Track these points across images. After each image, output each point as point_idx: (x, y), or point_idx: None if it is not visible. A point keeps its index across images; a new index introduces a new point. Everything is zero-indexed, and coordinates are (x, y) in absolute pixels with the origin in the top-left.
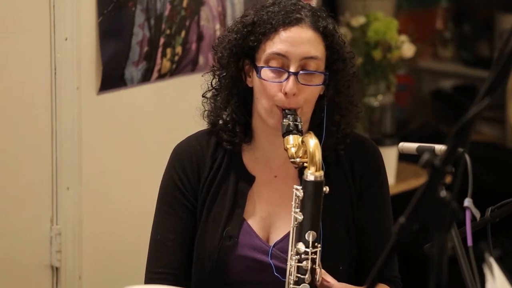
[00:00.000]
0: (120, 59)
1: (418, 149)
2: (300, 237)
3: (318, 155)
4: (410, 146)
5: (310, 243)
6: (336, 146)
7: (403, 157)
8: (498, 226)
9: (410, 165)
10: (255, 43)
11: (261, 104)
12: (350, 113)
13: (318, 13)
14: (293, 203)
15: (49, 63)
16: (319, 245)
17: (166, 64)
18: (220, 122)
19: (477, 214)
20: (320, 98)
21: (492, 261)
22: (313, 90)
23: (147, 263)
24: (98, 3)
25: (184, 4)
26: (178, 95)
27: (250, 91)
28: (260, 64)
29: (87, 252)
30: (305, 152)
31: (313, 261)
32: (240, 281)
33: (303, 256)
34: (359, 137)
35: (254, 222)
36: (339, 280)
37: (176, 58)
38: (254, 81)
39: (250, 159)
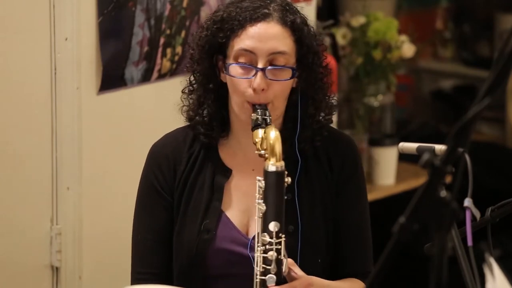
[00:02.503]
0: (120, 59)
1: (418, 149)
2: (264, 228)
3: (278, 147)
4: (410, 146)
5: (274, 233)
6: (312, 138)
7: (403, 157)
8: (498, 226)
9: (410, 165)
10: (224, 40)
11: (233, 100)
12: (325, 104)
13: (287, 7)
14: (256, 194)
15: (49, 63)
16: (283, 236)
17: (166, 64)
18: (197, 117)
19: (477, 214)
20: (294, 91)
21: (492, 261)
22: (282, 85)
23: (131, 264)
24: (98, 3)
25: (184, 4)
26: (178, 95)
27: (225, 86)
28: (229, 60)
29: (87, 252)
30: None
31: (278, 251)
32: (220, 274)
33: (267, 246)
34: (336, 131)
35: (233, 215)
36: (317, 271)
37: (176, 58)
38: (227, 77)
39: (227, 153)
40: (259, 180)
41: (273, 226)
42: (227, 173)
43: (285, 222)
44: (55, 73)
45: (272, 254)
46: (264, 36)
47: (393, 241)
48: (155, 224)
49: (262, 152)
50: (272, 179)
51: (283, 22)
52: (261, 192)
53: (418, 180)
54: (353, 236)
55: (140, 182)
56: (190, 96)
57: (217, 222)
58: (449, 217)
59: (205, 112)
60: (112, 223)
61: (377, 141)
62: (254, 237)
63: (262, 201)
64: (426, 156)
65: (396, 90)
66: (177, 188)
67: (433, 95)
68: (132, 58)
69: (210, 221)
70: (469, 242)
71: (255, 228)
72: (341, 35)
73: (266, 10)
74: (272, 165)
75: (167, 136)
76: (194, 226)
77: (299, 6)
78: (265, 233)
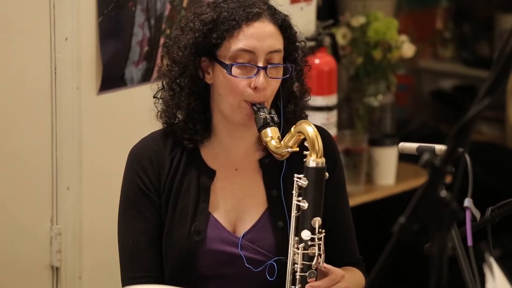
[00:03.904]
0: (120, 59)
1: (418, 149)
2: (304, 225)
3: (320, 142)
4: (410, 146)
5: (317, 229)
6: None
7: (403, 157)
8: (498, 226)
9: (410, 165)
10: (218, 41)
11: (226, 101)
12: (302, 100)
13: (271, 6)
14: (293, 192)
15: (49, 63)
16: (323, 231)
17: None
18: (177, 122)
19: (477, 214)
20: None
21: (492, 261)
22: (278, 82)
23: (121, 271)
24: (98, 3)
25: (184, 4)
26: None
27: (208, 88)
28: (225, 61)
29: (87, 252)
30: (297, 141)
31: (319, 247)
32: (212, 275)
33: (309, 243)
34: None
35: (220, 215)
36: None
37: None
38: (216, 78)
39: (210, 154)
40: (298, 178)
41: (316, 222)
42: (211, 174)
43: (274, 218)
44: (55, 73)
45: (314, 250)
46: (262, 35)
47: (393, 241)
48: (146, 226)
49: (288, 150)
50: (313, 175)
51: (275, 20)
52: (297, 189)
53: (418, 180)
54: (341, 229)
55: (123, 188)
56: (166, 101)
57: (206, 223)
58: (449, 217)
59: (186, 116)
60: (112, 223)
61: (377, 141)
62: (244, 236)
63: (301, 198)
64: (426, 156)
65: (396, 90)
66: (163, 190)
67: (433, 95)
68: (132, 58)
69: (199, 222)
70: (469, 242)
71: (243, 228)
72: (341, 35)
73: (257, 9)
74: (313, 161)
75: (146, 139)
76: (183, 229)
77: (299, 6)
78: (306, 230)
